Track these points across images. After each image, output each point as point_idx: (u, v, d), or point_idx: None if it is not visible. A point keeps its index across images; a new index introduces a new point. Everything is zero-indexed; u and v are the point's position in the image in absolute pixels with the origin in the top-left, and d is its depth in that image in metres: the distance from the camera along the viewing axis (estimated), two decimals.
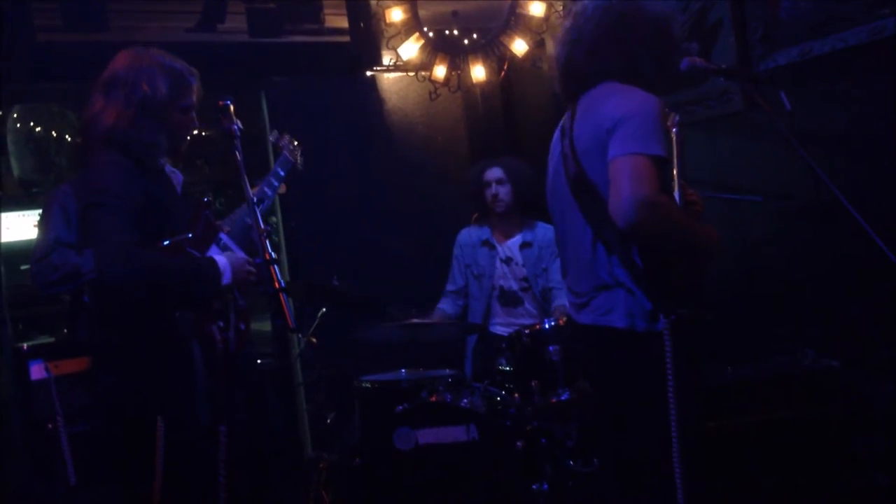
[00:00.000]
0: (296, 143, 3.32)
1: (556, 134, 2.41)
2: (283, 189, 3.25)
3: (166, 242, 2.36)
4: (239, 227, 2.83)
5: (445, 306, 4.19)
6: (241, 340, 2.49)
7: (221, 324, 2.42)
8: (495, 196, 4.05)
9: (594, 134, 2.19)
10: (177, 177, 2.89)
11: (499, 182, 4.05)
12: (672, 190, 2.48)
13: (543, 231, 4.05)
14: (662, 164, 2.10)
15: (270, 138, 3.22)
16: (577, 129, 2.27)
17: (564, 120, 2.37)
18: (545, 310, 3.98)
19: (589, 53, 2.28)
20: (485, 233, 4.15)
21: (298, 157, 3.30)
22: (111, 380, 2.49)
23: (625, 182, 2.05)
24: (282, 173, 3.12)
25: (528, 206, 4.06)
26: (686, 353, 2.15)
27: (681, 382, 2.11)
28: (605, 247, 2.23)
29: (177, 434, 2.37)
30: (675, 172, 2.52)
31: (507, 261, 4.08)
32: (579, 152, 2.24)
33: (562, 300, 3.85)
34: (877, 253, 2.08)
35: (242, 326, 2.50)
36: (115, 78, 2.49)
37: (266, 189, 3.04)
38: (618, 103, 2.16)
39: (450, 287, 4.22)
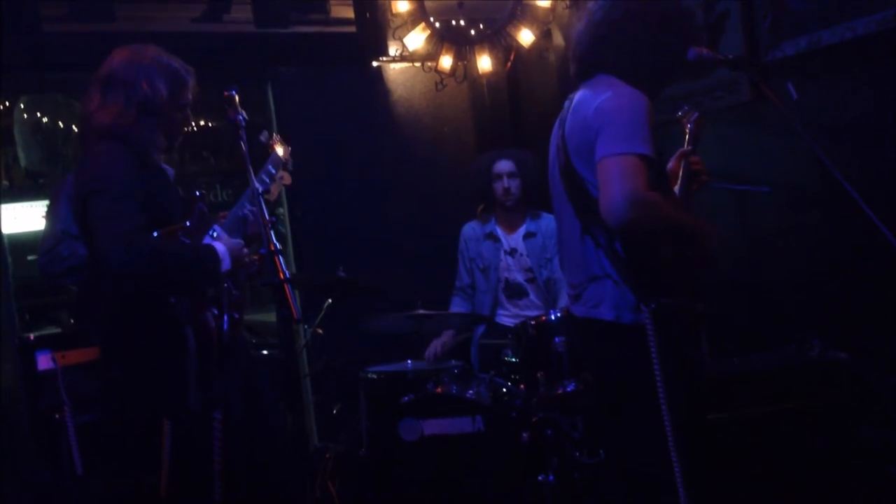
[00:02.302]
0: (284, 144, 3.30)
1: (556, 123, 2.43)
2: (287, 180, 3.25)
3: (155, 234, 2.35)
4: (231, 218, 2.83)
5: (458, 308, 4.15)
6: (235, 329, 2.49)
7: (215, 311, 2.42)
8: (507, 190, 4.00)
9: (582, 131, 2.23)
10: (168, 171, 2.89)
11: (510, 176, 4.00)
12: (673, 185, 2.48)
13: (547, 221, 4.02)
14: (649, 162, 2.11)
15: (261, 139, 3.21)
16: (568, 121, 2.31)
17: (563, 109, 2.39)
18: (550, 301, 3.97)
19: (592, 44, 2.32)
20: (489, 225, 4.14)
21: (289, 158, 3.29)
22: (115, 368, 2.49)
23: (614, 182, 2.07)
24: (273, 171, 3.14)
25: (535, 200, 4.04)
26: (673, 343, 2.16)
27: (668, 372, 2.12)
28: (593, 239, 2.25)
29: (172, 421, 2.38)
30: (681, 168, 2.52)
31: (512, 252, 4.06)
32: (569, 145, 2.27)
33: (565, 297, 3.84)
34: (885, 244, 2.07)
35: (236, 315, 2.49)
36: (113, 76, 2.48)
37: (258, 186, 3.03)
38: (604, 103, 2.19)
39: (458, 283, 4.21)
